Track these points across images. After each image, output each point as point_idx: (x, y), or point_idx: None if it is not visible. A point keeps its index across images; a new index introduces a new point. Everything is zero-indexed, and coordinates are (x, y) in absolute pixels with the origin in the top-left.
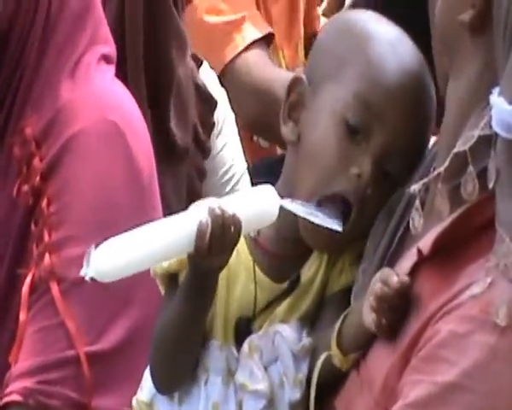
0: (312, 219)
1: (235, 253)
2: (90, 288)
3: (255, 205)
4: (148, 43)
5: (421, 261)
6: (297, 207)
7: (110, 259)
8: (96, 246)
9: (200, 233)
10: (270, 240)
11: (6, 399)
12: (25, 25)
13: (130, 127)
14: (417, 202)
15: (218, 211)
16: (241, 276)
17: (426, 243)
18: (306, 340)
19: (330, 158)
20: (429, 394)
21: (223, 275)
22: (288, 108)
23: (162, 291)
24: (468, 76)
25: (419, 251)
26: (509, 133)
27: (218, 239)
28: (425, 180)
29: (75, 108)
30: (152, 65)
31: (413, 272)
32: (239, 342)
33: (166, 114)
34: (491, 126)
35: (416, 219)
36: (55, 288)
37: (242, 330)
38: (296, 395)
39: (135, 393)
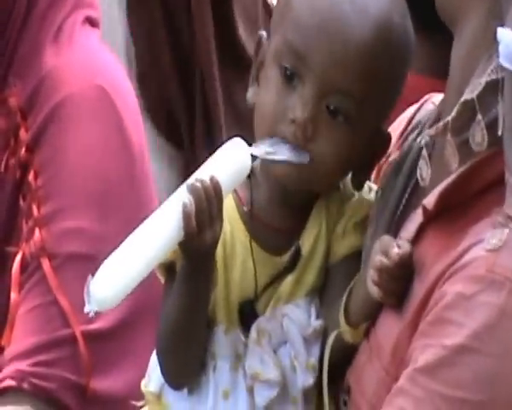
0: (279, 157)
1: (229, 232)
2: (84, 264)
3: (228, 162)
4: None
5: (427, 222)
6: (266, 150)
7: (109, 285)
8: (92, 275)
9: (185, 215)
10: (264, 211)
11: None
12: None
13: (118, 93)
14: (424, 152)
15: (197, 184)
16: (238, 255)
17: (431, 198)
18: (317, 323)
19: (273, 107)
20: (438, 357)
21: (219, 257)
22: (255, 70)
23: (162, 280)
24: (474, 26)
25: (424, 207)
26: None
27: (205, 212)
28: (432, 131)
29: (60, 75)
30: None
31: (418, 233)
32: (245, 325)
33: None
34: (497, 72)
35: (424, 170)
36: (46, 264)
37: (247, 312)
38: (309, 380)
39: (134, 376)
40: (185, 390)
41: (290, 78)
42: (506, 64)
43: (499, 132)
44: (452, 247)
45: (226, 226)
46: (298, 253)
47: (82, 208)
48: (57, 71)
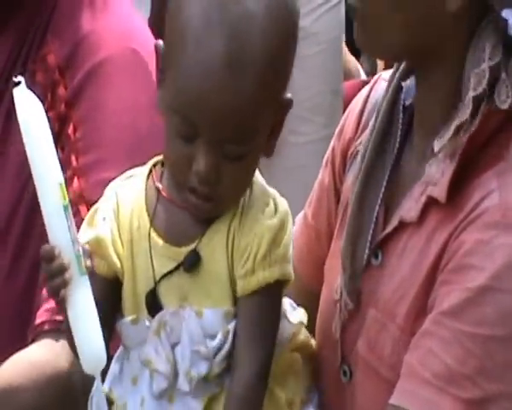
0: None
1: (136, 225)
2: None
3: None
4: None
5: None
6: None
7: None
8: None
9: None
10: (172, 189)
11: (39, 330)
12: None
13: (149, 54)
14: (441, 155)
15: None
16: (141, 245)
17: (441, 190)
18: (210, 345)
19: (177, 159)
20: (462, 299)
21: (127, 248)
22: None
23: None
24: (448, 65)
25: (433, 198)
26: None
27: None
28: (449, 135)
29: (98, 38)
30: None
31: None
32: (151, 314)
33: None
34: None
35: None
36: (84, 211)
37: (150, 301)
38: (185, 387)
39: None
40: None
41: (187, 137)
42: None
43: (504, 107)
44: (461, 205)
45: (134, 220)
46: (197, 256)
47: (117, 161)
48: (94, 35)
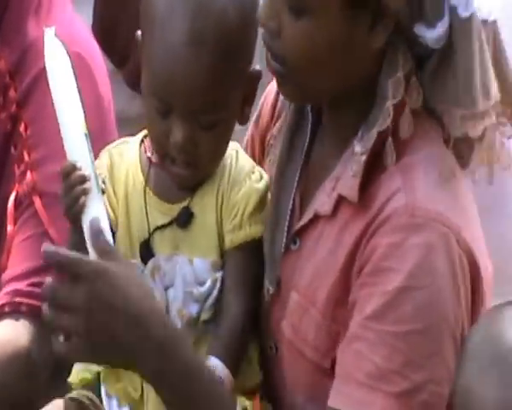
0: None
1: (132, 180)
2: None
3: None
4: None
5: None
6: None
7: None
8: None
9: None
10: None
11: (0, 311)
12: None
13: (92, 57)
14: (363, 160)
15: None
16: (136, 200)
17: (351, 190)
18: (201, 290)
19: (157, 132)
20: (383, 303)
21: (122, 203)
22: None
23: None
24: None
25: (343, 197)
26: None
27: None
28: (373, 140)
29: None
30: None
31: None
32: (144, 262)
33: None
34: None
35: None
36: (37, 201)
37: (143, 250)
38: (177, 324)
39: None
40: None
41: (163, 113)
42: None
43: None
44: (368, 202)
45: (129, 176)
46: (190, 213)
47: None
48: (40, 41)
